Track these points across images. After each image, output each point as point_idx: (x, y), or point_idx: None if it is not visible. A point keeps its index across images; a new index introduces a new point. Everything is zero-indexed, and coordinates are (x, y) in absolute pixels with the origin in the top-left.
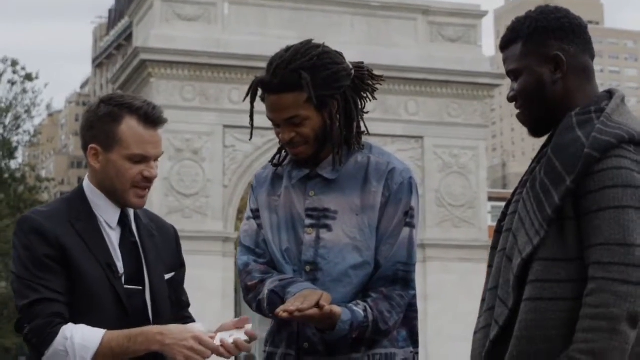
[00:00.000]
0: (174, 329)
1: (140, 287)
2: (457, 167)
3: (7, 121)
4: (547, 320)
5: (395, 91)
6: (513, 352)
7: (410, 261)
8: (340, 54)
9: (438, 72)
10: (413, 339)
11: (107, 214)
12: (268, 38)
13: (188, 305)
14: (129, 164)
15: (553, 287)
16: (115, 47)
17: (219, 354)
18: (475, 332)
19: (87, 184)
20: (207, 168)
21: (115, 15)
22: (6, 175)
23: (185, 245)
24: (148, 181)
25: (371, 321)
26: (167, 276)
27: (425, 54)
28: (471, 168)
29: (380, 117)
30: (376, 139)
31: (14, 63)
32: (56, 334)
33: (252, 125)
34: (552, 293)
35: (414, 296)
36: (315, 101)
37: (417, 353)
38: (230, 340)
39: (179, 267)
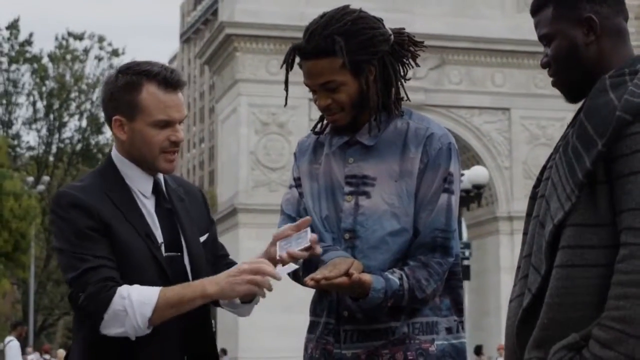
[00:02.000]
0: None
1: (179, 253)
2: (545, 138)
3: (94, 97)
4: (578, 287)
5: (482, 63)
6: (544, 319)
7: (449, 228)
8: (378, 19)
9: (525, 43)
10: (457, 308)
11: (140, 183)
12: None
13: (228, 255)
14: (155, 130)
15: (585, 254)
16: (203, 22)
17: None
18: (510, 301)
19: (115, 155)
20: (293, 141)
21: None
22: (94, 150)
23: (272, 219)
24: (176, 145)
25: (407, 289)
26: (202, 238)
27: (512, 24)
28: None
29: (467, 89)
30: (463, 111)
31: (101, 39)
32: (112, 295)
33: (286, 91)
34: (583, 259)
35: (457, 264)
36: (349, 66)
37: (461, 322)
38: (285, 251)
39: (211, 225)
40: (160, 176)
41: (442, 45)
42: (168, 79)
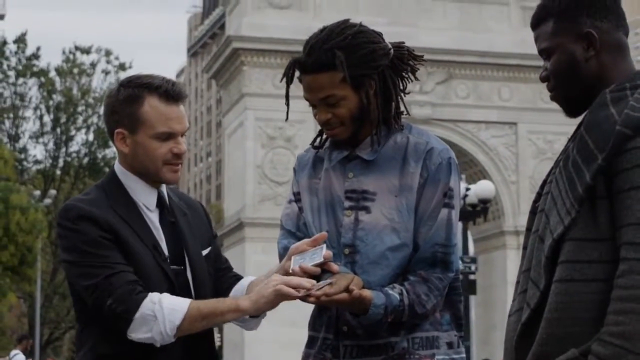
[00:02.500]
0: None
1: (182, 267)
2: (551, 153)
3: (101, 111)
4: (577, 302)
5: (489, 77)
6: (542, 334)
7: (449, 242)
8: (378, 34)
9: (532, 57)
10: (457, 323)
11: (144, 196)
12: None
13: (231, 268)
14: (157, 142)
15: (584, 268)
16: (210, 36)
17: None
18: (509, 315)
19: (119, 168)
20: None
21: (209, 4)
22: (101, 164)
23: (279, 233)
24: (178, 157)
25: (407, 305)
26: (204, 252)
27: (519, 39)
28: None
29: (474, 103)
30: (470, 126)
31: (108, 53)
32: (143, 298)
33: (287, 105)
34: (583, 274)
35: (457, 279)
36: (350, 80)
37: (461, 337)
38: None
39: (213, 239)
40: (164, 189)
41: (449, 60)
42: (169, 92)
